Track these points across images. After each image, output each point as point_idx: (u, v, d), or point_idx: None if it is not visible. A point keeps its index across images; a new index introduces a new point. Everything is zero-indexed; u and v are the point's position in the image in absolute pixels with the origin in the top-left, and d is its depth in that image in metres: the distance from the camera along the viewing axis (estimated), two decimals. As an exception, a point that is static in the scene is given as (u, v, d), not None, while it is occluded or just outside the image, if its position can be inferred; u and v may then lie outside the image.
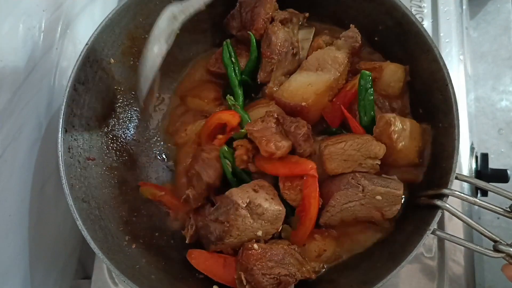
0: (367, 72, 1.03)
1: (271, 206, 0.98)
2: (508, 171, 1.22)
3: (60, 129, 0.99)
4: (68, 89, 1.00)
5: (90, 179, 1.05)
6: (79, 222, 0.95)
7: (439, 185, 0.95)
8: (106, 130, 1.13)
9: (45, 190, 1.16)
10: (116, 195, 1.10)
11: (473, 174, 1.26)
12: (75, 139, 1.03)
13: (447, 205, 0.91)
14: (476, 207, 1.30)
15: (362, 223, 1.06)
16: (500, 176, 1.22)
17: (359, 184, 0.98)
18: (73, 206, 0.95)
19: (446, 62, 0.98)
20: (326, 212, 1.02)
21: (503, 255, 0.90)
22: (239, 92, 1.17)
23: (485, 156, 1.26)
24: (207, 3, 1.03)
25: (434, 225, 0.91)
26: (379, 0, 1.06)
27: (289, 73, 1.15)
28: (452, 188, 0.92)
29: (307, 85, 1.08)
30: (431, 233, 0.91)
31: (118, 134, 1.16)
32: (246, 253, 0.95)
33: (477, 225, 0.91)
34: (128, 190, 1.15)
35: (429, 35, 1.00)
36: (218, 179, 1.08)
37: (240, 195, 0.97)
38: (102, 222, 1.02)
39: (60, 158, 0.98)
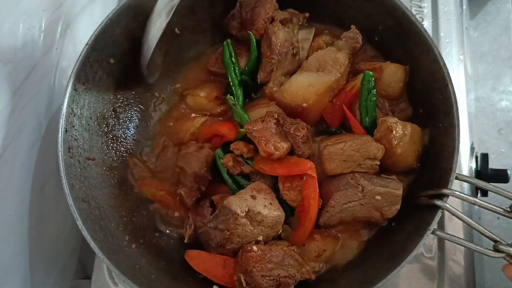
0: (370, 72, 1.03)
1: (270, 213, 0.98)
2: (508, 171, 1.22)
3: (60, 129, 0.99)
4: (68, 89, 1.01)
5: (90, 179, 1.05)
6: (79, 222, 0.95)
7: (439, 185, 0.95)
8: (106, 130, 1.13)
9: (45, 190, 1.16)
10: (116, 195, 1.10)
11: (473, 174, 1.26)
12: (75, 139, 1.03)
13: (447, 205, 0.91)
14: (476, 207, 1.31)
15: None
16: (500, 176, 1.22)
17: (358, 184, 0.98)
18: (73, 206, 0.95)
19: (446, 62, 0.98)
20: (326, 213, 1.02)
21: (503, 255, 0.90)
22: (239, 92, 1.17)
23: (485, 156, 1.26)
24: None
25: (434, 225, 0.91)
26: (379, 0, 1.06)
27: (289, 73, 1.15)
28: (452, 188, 0.92)
29: (308, 86, 1.08)
30: (431, 233, 0.91)
31: (118, 134, 1.16)
32: (245, 255, 0.95)
33: (477, 225, 0.91)
34: (128, 190, 1.15)
35: (429, 35, 1.00)
36: (203, 169, 1.09)
37: (238, 204, 0.97)
38: (102, 222, 1.02)
39: (60, 158, 0.98)
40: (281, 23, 1.13)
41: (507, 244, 0.89)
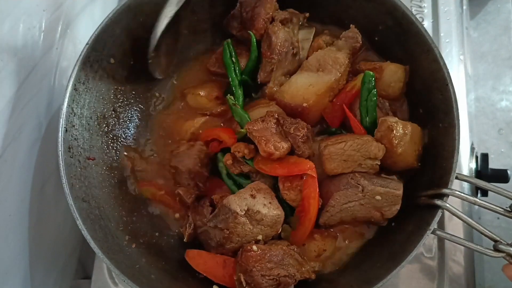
0: (371, 72, 1.03)
1: (270, 212, 0.98)
2: (508, 171, 1.22)
3: (61, 129, 0.99)
4: (68, 89, 1.01)
5: (90, 178, 1.05)
6: (79, 222, 0.95)
7: (439, 185, 0.95)
8: (106, 129, 1.13)
9: (45, 190, 1.16)
10: (116, 194, 1.10)
11: (473, 174, 1.26)
12: (75, 138, 1.03)
13: (448, 205, 0.91)
14: (476, 207, 1.31)
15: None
16: (500, 176, 1.22)
17: (358, 184, 0.98)
18: (73, 205, 0.95)
19: (446, 62, 0.98)
20: (326, 212, 1.02)
21: (503, 254, 0.90)
22: (239, 92, 1.17)
23: (485, 156, 1.26)
24: None
25: (434, 225, 0.91)
26: (379, 0, 1.06)
27: (289, 73, 1.15)
28: (452, 188, 0.92)
29: (308, 85, 1.08)
30: (431, 233, 0.91)
31: (118, 133, 1.16)
32: (245, 254, 0.95)
33: (477, 224, 0.91)
34: (128, 190, 1.15)
35: (429, 35, 1.00)
36: (197, 165, 1.10)
37: (238, 202, 0.97)
38: (102, 221, 1.02)
39: (60, 157, 0.98)
40: (281, 23, 1.13)
41: (507, 244, 0.89)
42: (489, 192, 0.94)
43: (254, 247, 0.95)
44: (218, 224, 1.00)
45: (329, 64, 1.08)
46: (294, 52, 1.15)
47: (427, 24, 1.37)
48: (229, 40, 1.19)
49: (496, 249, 0.90)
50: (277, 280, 0.94)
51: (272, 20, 1.14)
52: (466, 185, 1.25)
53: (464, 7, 1.48)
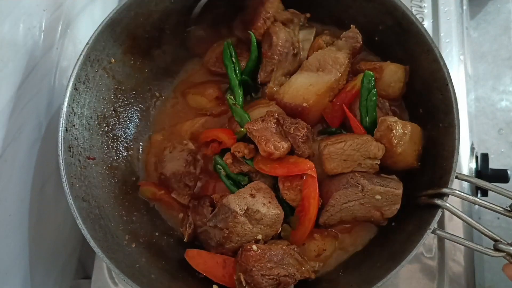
0: (371, 72, 1.03)
1: (269, 211, 0.98)
2: (508, 171, 1.22)
3: (61, 128, 0.99)
4: (69, 88, 1.01)
5: (90, 178, 1.05)
6: (79, 221, 0.95)
7: (439, 184, 0.95)
8: (106, 129, 1.13)
9: (45, 190, 1.16)
10: (116, 194, 1.10)
11: (473, 174, 1.26)
12: (75, 138, 1.03)
13: (448, 204, 0.91)
14: (476, 207, 1.31)
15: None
16: (500, 176, 1.22)
17: (358, 183, 0.98)
18: (73, 205, 0.95)
19: (446, 62, 0.98)
20: (326, 212, 1.02)
21: (503, 254, 0.90)
22: (239, 92, 1.17)
23: (485, 156, 1.26)
24: None
25: (434, 225, 0.91)
26: (379, 0, 1.06)
27: (290, 74, 1.15)
28: (452, 187, 0.92)
29: (308, 85, 1.08)
30: (431, 233, 0.91)
31: (118, 133, 1.16)
32: (245, 254, 0.95)
33: (477, 224, 0.91)
34: (128, 189, 1.15)
35: (429, 35, 1.00)
36: (181, 166, 1.11)
37: (237, 202, 0.98)
38: (102, 221, 1.02)
39: (60, 157, 0.98)
40: (282, 23, 1.14)
41: (507, 243, 0.89)
42: (489, 192, 0.94)
43: (254, 247, 0.95)
44: (217, 223, 1.00)
45: (329, 64, 1.09)
46: (295, 52, 1.15)
47: (427, 24, 1.37)
48: (229, 40, 1.19)
49: (496, 249, 0.90)
50: (277, 279, 0.94)
51: (274, 20, 1.14)
52: (466, 185, 1.25)
53: (464, 7, 1.48)
